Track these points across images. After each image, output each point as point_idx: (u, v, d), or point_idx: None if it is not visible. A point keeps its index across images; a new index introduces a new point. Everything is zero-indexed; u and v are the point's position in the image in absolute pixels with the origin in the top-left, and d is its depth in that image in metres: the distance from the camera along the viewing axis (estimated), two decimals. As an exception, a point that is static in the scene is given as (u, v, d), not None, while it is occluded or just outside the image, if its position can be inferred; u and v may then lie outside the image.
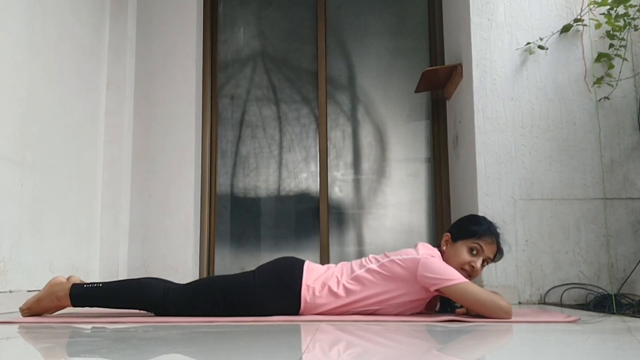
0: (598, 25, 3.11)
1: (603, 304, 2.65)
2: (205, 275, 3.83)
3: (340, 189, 4.03)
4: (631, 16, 2.97)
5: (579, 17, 3.19)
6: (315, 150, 4.05)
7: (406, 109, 4.07)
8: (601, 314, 2.39)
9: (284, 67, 4.18)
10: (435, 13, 4.08)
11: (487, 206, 3.10)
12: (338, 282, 2.22)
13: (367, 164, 4.05)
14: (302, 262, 2.30)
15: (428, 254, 2.20)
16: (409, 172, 4.03)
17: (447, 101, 3.92)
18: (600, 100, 3.11)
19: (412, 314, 2.24)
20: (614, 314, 2.42)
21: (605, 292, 2.87)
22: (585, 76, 3.18)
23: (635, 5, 2.98)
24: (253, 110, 4.12)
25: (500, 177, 3.14)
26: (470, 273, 2.24)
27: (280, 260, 2.35)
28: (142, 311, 2.30)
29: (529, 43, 3.20)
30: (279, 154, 4.06)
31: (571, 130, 3.16)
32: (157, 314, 2.25)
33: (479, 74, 3.23)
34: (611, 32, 3.04)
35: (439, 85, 3.84)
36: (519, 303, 3.03)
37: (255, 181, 4.05)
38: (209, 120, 4.02)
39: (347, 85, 4.14)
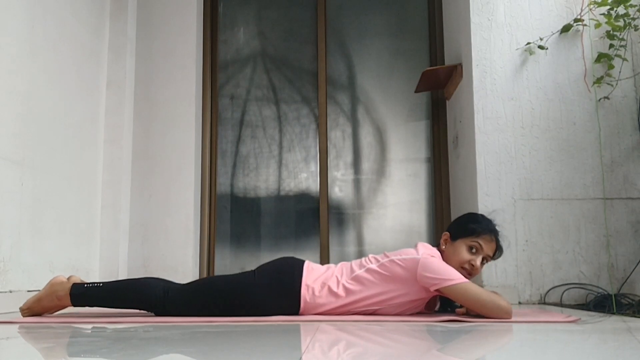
0: (598, 25, 3.11)
1: (603, 304, 2.65)
2: (205, 275, 3.83)
3: (340, 189, 4.03)
4: (631, 16, 2.97)
5: (579, 17, 3.19)
6: (315, 150, 4.05)
7: (406, 109, 4.07)
8: (601, 314, 2.39)
9: (284, 67, 4.18)
10: (435, 13, 4.08)
11: (487, 206, 3.10)
12: (338, 282, 2.22)
13: (367, 164, 4.05)
14: (302, 262, 2.30)
15: (428, 254, 2.20)
16: (409, 172, 4.03)
17: (447, 101, 3.92)
18: (600, 100, 3.11)
19: (412, 314, 2.24)
20: (614, 314, 2.42)
21: (605, 292, 2.87)
22: (585, 76, 3.18)
23: (635, 5, 2.98)
24: (253, 110, 4.12)
25: (500, 177, 3.14)
26: (470, 271, 2.24)
27: (280, 260, 2.35)
28: (142, 311, 2.30)
29: (529, 43, 3.20)
30: (279, 154, 4.06)
31: (571, 130, 3.16)
32: (157, 314, 2.25)
33: (479, 74, 3.23)
34: (611, 32, 3.04)
35: (439, 85, 3.84)
36: (519, 303, 3.03)
37: (255, 181, 4.05)
38: (209, 120, 4.02)
39: (347, 85, 4.14)
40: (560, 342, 1.58)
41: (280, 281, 2.23)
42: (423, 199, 3.99)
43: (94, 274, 3.45)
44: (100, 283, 2.28)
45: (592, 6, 3.13)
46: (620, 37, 3.02)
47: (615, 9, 3.01)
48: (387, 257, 2.23)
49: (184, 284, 2.34)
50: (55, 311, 2.30)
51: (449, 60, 3.82)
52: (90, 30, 3.48)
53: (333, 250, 3.94)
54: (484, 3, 3.28)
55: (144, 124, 3.80)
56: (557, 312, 2.44)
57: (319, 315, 2.18)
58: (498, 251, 2.30)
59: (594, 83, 3.10)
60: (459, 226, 2.33)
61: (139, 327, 1.91)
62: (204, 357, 1.34)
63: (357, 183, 4.04)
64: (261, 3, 4.24)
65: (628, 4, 2.94)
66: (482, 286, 2.88)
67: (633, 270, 2.98)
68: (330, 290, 2.20)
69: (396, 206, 4.00)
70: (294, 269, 2.26)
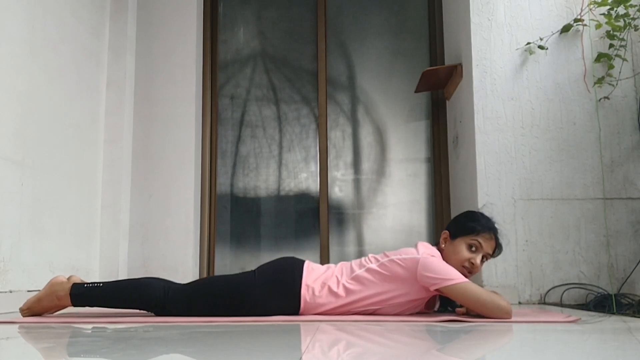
0: (598, 26, 3.11)
1: (603, 304, 2.65)
2: (205, 275, 3.83)
3: (340, 189, 4.03)
4: (631, 16, 2.97)
5: (579, 17, 3.19)
6: (315, 150, 4.05)
7: (406, 109, 4.07)
8: (601, 314, 2.39)
9: (284, 67, 4.18)
10: (435, 13, 4.08)
11: (487, 206, 3.10)
12: (338, 281, 2.22)
13: (367, 164, 4.05)
14: (302, 262, 2.30)
15: (428, 254, 2.20)
16: (409, 172, 4.03)
17: (447, 101, 3.92)
18: (600, 100, 3.11)
19: (412, 314, 2.24)
20: (614, 314, 2.42)
21: (605, 292, 2.87)
22: (585, 76, 3.18)
23: (635, 5, 2.98)
24: (253, 110, 4.12)
25: (500, 177, 3.14)
26: (470, 270, 2.24)
27: (280, 260, 2.35)
28: (142, 311, 2.30)
29: (529, 43, 3.20)
30: (278, 154, 4.06)
31: (571, 130, 3.16)
32: (157, 314, 2.25)
33: (479, 74, 3.23)
34: (611, 32, 3.04)
35: (439, 85, 3.84)
36: (519, 303, 3.03)
37: (255, 181, 4.05)
38: (209, 120, 4.02)
39: (347, 85, 4.14)
40: (560, 342, 1.58)
41: (281, 281, 2.23)
42: (423, 199, 3.99)
43: (94, 274, 3.45)
44: (100, 283, 2.28)
45: (592, 6, 3.13)
46: (620, 37, 3.02)
47: (615, 9, 3.01)
48: (387, 256, 2.23)
49: (184, 284, 2.34)
50: (55, 311, 2.30)
51: (449, 60, 3.82)
52: (90, 30, 3.48)
53: (333, 250, 3.94)
54: (484, 3, 3.28)
55: (144, 124, 3.80)
56: (557, 312, 2.44)
57: (319, 315, 2.18)
58: (497, 249, 2.30)
59: (595, 83, 3.10)
60: (458, 224, 2.33)
61: (139, 327, 1.91)
62: (204, 357, 1.34)
63: (357, 183, 4.04)
64: (261, 3, 4.24)
65: (628, 4, 2.94)
66: (482, 286, 2.88)
67: (633, 270, 2.98)
68: (330, 290, 2.20)
69: (396, 206, 4.00)
70: (294, 269, 2.26)
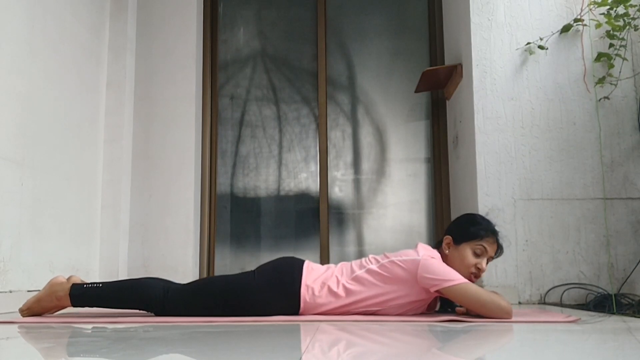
0: (598, 25, 3.11)
1: (603, 304, 2.65)
2: (205, 275, 3.83)
3: (340, 189, 4.03)
4: (631, 16, 2.97)
5: (579, 17, 3.19)
6: (315, 150, 4.05)
7: (406, 109, 4.07)
8: (601, 314, 2.39)
9: (284, 67, 4.18)
10: (435, 13, 4.08)
11: (487, 206, 3.10)
12: (338, 282, 2.22)
13: (367, 164, 4.05)
14: (302, 262, 2.30)
15: (428, 255, 2.20)
16: (409, 172, 4.03)
17: (447, 101, 3.92)
18: (600, 100, 3.11)
19: (412, 315, 2.24)
20: (614, 314, 2.42)
21: (605, 292, 2.87)
22: (585, 76, 3.18)
23: (635, 5, 2.98)
24: (253, 110, 4.12)
25: (500, 177, 3.14)
26: (477, 274, 2.26)
27: (280, 260, 2.35)
28: (142, 311, 2.30)
29: (529, 43, 3.20)
30: (278, 154, 4.06)
31: (571, 130, 3.16)
32: (157, 314, 2.24)
33: (479, 74, 3.23)
34: (611, 32, 3.04)
35: (439, 85, 3.84)
36: (519, 303, 3.03)
37: (255, 181, 4.05)
38: (209, 120, 4.02)
39: (347, 85, 4.14)
40: (560, 342, 1.58)
41: (280, 281, 2.23)
42: (423, 199, 3.99)
43: (94, 274, 3.45)
44: (99, 283, 2.28)
45: (592, 6, 3.13)
46: (620, 37, 3.02)
47: (615, 8, 3.01)
48: (388, 257, 2.23)
49: (183, 284, 2.34)
50: (55, 311, 2.30)
51: (449, 60, 3.82)
52: (90, 30, 3.48)
53: (333, 250, 3.94)
54: (484, 3, 3.28)
55: (144, 124, 3.80)
56: (557, 312, 2.44)
57: (319, 315, 2.18)
58: (499, 250, 2.31)
59: (596, 83, 3.10)
60: (460, 229, 2.32)
61: (139, 327, 1.91)
62: (204, 357, 1.34)
63: (357, 183, 4.04)
64: (261, 3, 4.24)
65: (628, 4, 2.95)
66: (482, 286, 2.88)
67: (633, 270, 2.98)
68: (330, 290, 2.20)
69: (396, 206, 4.00)
70: (294, 269, 2.26)
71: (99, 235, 3.52)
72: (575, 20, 3.18)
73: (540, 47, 3.18)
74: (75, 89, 3.27)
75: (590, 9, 3.15)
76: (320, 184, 4.00)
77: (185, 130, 3.79)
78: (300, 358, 1.25)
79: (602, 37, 3.14)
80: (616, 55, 3.04)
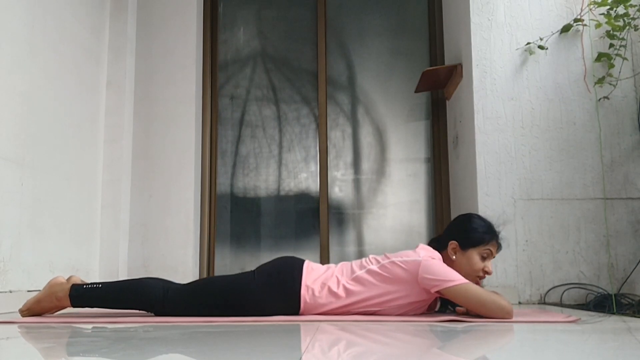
0: (598, 25, 3.11)
1: (603, 304, 2.65)
2: (205, 275, 3.83)
3: (340, 189, 4.03)
4: (631, 16, 2.97)
5: (579, 17, 3.19)
6: (315, 150, 4.05)
7: (406, 109, 4.07)
8: (601, 314, 2.39)
9: (284, 67, 4.18)
10: (435, 13, 4.08)
11: (487, 206, 3.10)
12: (338, 282, 2.21)
13: (367, 164, 4.05)
14: (302, 262, 2.29)
15: (429, 256, 2.20)
16: (409, 172, 4.03)
17: (447, 101, 3.92)
18: (600, 100, 3.11)
19: (413, 315, 2.24)
20: (614, 314, 2.42)
21: (605, 292, 2.87)
22: (585, 76, 3.18)
23: (635, 5, 2.98)
24: (253, 110, 4.12)
25: (500, 177, 3.14)
26: (483, 277, 2.28)
27: (279, 260, 2.34)
28: (142, 311, 2.30)
29: (529, 43, 3.20)
30: (278, 154, 4.06)
31: (571, 130, 3.16)
32: (157, 314, 2.24)
33: (479, 74, 3.23)
34: (611, 32, 3.04)
35: (439, 85, 3.84)
36: (519, 303, 3.03)
37: (255, 181, 4.05)
38: (209, 120, 4.02)
39: (347, 85, 4.14)
40: (560, 342, 1.58)
41: (280, 282, 2.22)
42: (423, 199, 3.99)
43: (94, 274, 3.45)
44: (99, 284, 2.28)
45: (592, 6, 3.13)
46: (620, 37, 3.02)
47: (615, 9, 3.01)
48: (388, 258, 2.23)
49: (183, 284, 2.34)
50: (55, 312, 2.30)
51: (449, 60, 3.82)
52: (90, 30, 3.48)
53: (333, 250, 3.94)
54: (484, 3, 3.28)
55: (144, 124, 3.80)
56: (557, 312, 2.44)
57: (319, 315, 2.18)
58: (499, 248, 2.33)
59: (596, 83, 3.10)
60: (464, 234, 2.30)
61: (139, 327, 1.91)
62: (204, 357, 1.34)
63: (357, 183, 4.04)
64: (261, 3, 4.24)
65: (628, 4, 2.95)
66: (482, 286, 2.87)
67: (633, 270, 2.98)
68: (330, 291, 2.19)
69: (396, 206, 4.00)
70: (294, 269, 2.25)
71: (99, 235, 3.52)
72: (575, 20, 3.18)
73: (540, 47, 3.18)
74: (75, 89, 3.27)
75: (590, 9, 3.15)
76: (320, 184, 4.00)
77: (185, 130, 3.79)
78: (300, 358, 1.25)
79: (602, 37, 3.14)
80: (616, 55, 3.04)
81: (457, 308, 2.20)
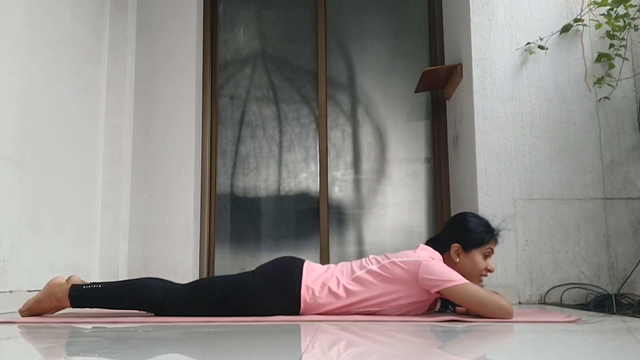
0: (598, 26, 3.11)
1: (603, 304, 2.65)
2: (205, 275, 3.83)
3: (340, 189, 4.03)
4: (631, 16, 2.97)
5: (579, 17, 3.19)
6: (315, 150, 4.05)
7: (406, 109, 4.07)
8: (601, 314, 2.39)
9: (284, 67, 4.18)
10: (435, 13, 4.08)
11: (487, 206, 3.10)
12: (338, 282, 2.21)
13: (367, 164, 4.05)
14: (302, 262, 2.29)
15: (429, 257, 2.20)
16: (409, 172, 4.03)
17: (447, 101, 3.92)
18: (600, 100, 3.11)
19: (413, 315, 2.24)
20: (614, 314, 2.42)
21: (605, 292, 2.87)
22: (585, 76, 3.18)
23: (635, 5, 2.98)
24: (253, 110, 4.12)
25: (500, 177, 3.14)
26: (486, 275, 2.30)
27: (279, 260, 2.34)
28: (141, 311, 2.30)
29: (529, 43, 3.20)
30: (278, 154, 4.06)
31: (571, 130, 3.16)
32: (157, 314, 2.24)
33: (479, 74, 3.23)
34: (611, 32, 3.04)
35: (439, 85, 3.84)
36: (519, 303, 3.03)
37: (255, 181, 4.05)
38: (209, 120, 4.02)
39: (347, 85, 4.14)
40: (560, 342, 1.58)
41: (280, 282, 2.22)
42: (423, 199, 3.99)
43: (94, 274, 3.45)
44: (99, 284, 2.28)
45: (592, 6, 3.13)
46: (621, 37, 3.02)
47: (615, 9, 3.01)
48: (388, 258, 2.23)
49: (183, 284, 2.34)
50: (55, 312, 2.30)
51: (449, 60, 3.82)
52: (90, 30, 3.48)
53: (333, 250, 3.94)
54: (484, 3, 3.28)
55: (144, 124, 3.80)
56: (557, 312, 2.44)
57: (319, 316, 2.18)
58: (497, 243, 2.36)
59: (595, 83, 3.10)
60: (465, 235, 2.30)
61: (139, 327, 1.91)
62: (204, 357, 1.34)
63: (357, 183, 4.04)
64: (261, 3, 4.24)
65: (628, 4, 2.95)
66: (482, 286, 2.87)
67: (633, 270, 2.98)
68: (330, 291, 2.19)
69: (396, 206, 4.00)
70: (294, 269, 2.25)
71: (99, 235, 3.52)
72: (575, 20, 3.18)
73: (540, 47, 3.18)
74: (75, 89, 3.27)
75: (590, 9, 3.15)
76: (320, 184, 4.00)
77: (185, 130, 3.79)
78: (300, 358, 1.25)
79: (602, 37, 3.14)
80: (616, 55, 3.04)
81: (457, 308, 2.20)
